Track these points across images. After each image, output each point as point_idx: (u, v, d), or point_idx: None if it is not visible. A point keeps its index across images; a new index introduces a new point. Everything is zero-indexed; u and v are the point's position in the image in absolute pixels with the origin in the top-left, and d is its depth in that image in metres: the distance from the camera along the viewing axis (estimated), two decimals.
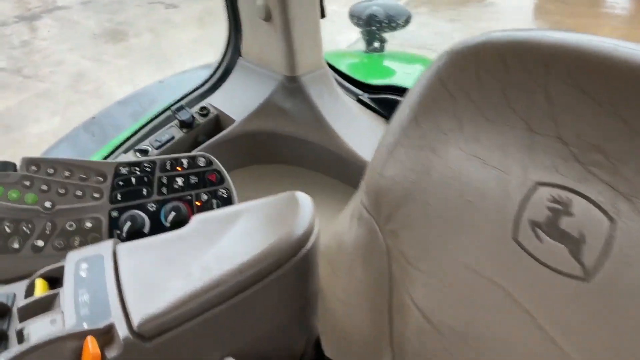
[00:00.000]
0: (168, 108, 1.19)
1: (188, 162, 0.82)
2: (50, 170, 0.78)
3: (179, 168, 0.82)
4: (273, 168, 1.18)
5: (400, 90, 1.22)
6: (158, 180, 0.81)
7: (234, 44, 1.21)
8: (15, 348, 0.54)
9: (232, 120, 1.15)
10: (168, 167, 0.82)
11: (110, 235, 0.77)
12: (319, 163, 1.15)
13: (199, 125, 1.16)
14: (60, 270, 0.66)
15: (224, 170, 0.83)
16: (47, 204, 0.76)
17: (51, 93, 4.77)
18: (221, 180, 0.82)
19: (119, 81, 4.90)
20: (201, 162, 0.83)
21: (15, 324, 0.63)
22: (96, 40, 5.60)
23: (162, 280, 0.62)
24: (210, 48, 5.28)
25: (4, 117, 4.53)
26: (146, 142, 1.13)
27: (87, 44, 5.50)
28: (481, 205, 0.49)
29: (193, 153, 0.83)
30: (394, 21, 1.58)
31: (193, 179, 0.81)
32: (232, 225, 0.69)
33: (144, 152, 1.11)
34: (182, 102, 1.17)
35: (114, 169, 0.80)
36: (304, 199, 0.72)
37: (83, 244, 0.75)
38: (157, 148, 1.12)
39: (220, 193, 0.82)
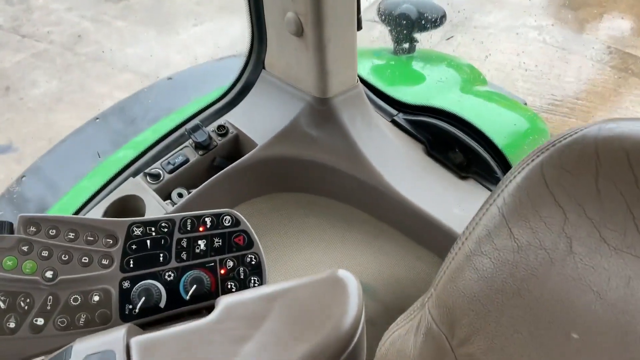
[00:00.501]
0: (181, 125, 1.07)
1: (212, 222, 0.71)
2: (52, 232, 0.67)
3: (201, 228, 0.71)
4: (296, 197, 1.07)
5: (439, 113, 1.10)
6: (177, 243, 0.70)
7: (256, 54, 1.08)
8: None
9: (252, 142, 1.03)
10: (189, 227, 0.70)
11: (122, 311, 0.66)
12: (348, 194, 1.04)
13: (216, 146, 1.04)
14: None
15: (252, 231, 0.72)
16: (49, 274, 0.65)
17: (49, 54, 4.59)
18: (249, 243, 0.71)
19: (120, 44, 4.72)
20: (227, 221, 0.72)
21: None
22: None
23: None
24: (213, 10, 5.08)
25: (1, 78, 4.38)
26: (157, 164, 1.02)
27: (87, 3, 5.28)
28: (593, 345, 0.39)
29: (217, 211, 0.71)
30: (428, 21, 1.44)
31: (217, 242, 0.71)
32: (266, 316, 0.59)
33: (155, 177, 1.00)
34: (198, 120, 1.05)
35: (126, 230, 0.69)
36: (349, 280, 0.61)
37: (89, 322, 0.65)
38: (170, 172, 1.01)
39: (248, 259, 0.71)
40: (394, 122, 1.11)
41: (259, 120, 1.05)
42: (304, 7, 0.89)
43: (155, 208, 0.96)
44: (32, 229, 0.66)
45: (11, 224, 0.67)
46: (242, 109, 1.09)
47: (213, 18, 4.94)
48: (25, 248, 0.65)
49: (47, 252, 0.66)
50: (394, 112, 1.13)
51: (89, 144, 1.32)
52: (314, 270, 1.05)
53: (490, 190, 1.02)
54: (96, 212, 0.96)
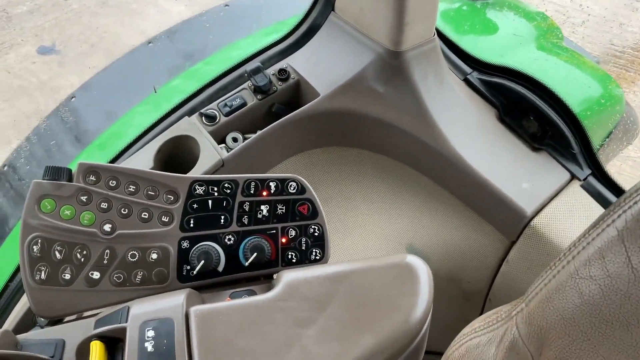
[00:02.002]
0: (241, 65, 1.01)
1: (276, 187, 0.67)
2: (112, 183, 0.64)
3: (264, 193, 0.67)
4: (355, 153, 1.02)
5: (517, 75, 1.01)
6: (239, 207, 0.66)
7: None
8: None
9: (313, 91, 0.97)
10: (252, 190, 0.66)
11: (180, 271, 0.64)
12: (409, 155, 0.98)
13: (275, 92, 0.98)
14: (121, 331, 0.54)
15: (317, 200, 0.68)
16: (107, 227, 0.63)
17: None
18: (314, 213, 0.67)
19: None
20: (292, 187, 0.67)
21: None
22: None
23: None
24: None
25: None
26: (214, 105, 0.97)
27: None
28: None
29: (283, 176, 0.67)
30: None
31: (280, 209, 0.67)
32: (331, 300, 0.56)
33: (211, 119, 0.96)
34: (258, 62, 0.99)
35: (187, 187, 0.65)
36: (420, 270, 0.58)
37: (146, 279, 0.63)
38: (226, 115, 0.96)
39: (311, 230, 0.67)
40: (467, 82, 1.03)
41: (323, 68, 0.98)
42: None
43: (209, 151, 0.92)
44: (92, 178, 0.63)
45: (70, 171, 0.64)
46: (305, 53, 1.02)
47: None
48: (84, 198, 0.62)
49: (106, 204, 0.63)
50: (468, 70, 1.04)
51: (141, 69, 1.27)
52: (366, 229, 1.02)
53: (565, 166, 0.95)
54: (149, 150, 0.93)
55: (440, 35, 1.06)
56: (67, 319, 0.70)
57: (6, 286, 1.00)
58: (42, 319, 0.87)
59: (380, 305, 0.56)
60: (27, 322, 0.90)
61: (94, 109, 1.33)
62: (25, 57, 3.60)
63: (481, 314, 0.76)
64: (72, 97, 1.29)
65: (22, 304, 0.90)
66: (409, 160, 0.99)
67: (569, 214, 0.90)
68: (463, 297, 1.04)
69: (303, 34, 1.03)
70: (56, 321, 0.81)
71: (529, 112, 0.99)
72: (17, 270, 1.00)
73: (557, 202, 0.91)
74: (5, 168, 1.24)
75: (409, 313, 0.55)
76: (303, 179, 0.67)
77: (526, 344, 0.47)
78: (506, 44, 1.26)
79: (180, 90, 1.06)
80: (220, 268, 0.65)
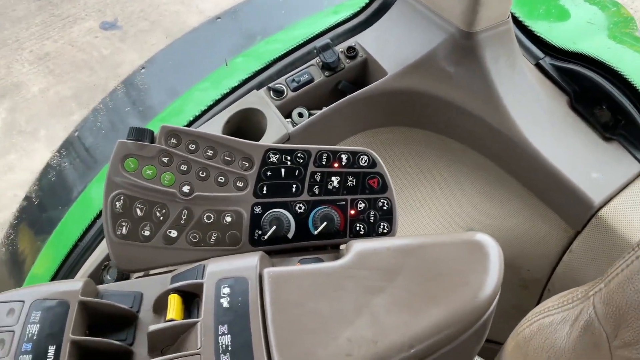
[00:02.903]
0: (310, 41, 1.02)
1: (347, 159, 0.68)
2: (192, 146, 0.66)
3: (335, 164, 0.68)
4: (420, 134, 1.02)
5: (591, 62, 0.98)
6: (311, 176, 0.67)
7: None
8: None
9: (381, 69, 0.97)
10: (324, 161, 0.68)
11: (252, 235, 0.66)
12: (476, 139, 0.98)
13: (343, 69, 0.99)
14: (198, 287, 0.57)
15: (388, 175, 0.68)
16: (185, 188, 0.65)
17: None
18: (383, 187, 0.68)
19: None
20: (363, 160, 0.68)
21: (143, 343, 0.56)
22: None
23: (317, 339, 0.51)
24: None
25: None
26: (282, 80, 0.99)
27: None
28: None
29: (355, 149, 0.68)
30: None
31: (351, 181, 0.68)
32: (400, 270, 0.57)
33: (279, 93, 0.97)
34: (327, 39, 1.00)
35: (262, 154, 0.67)
36: (491, 248, 0.58)
37: (219, 241, 0.65)
38: (294, 90, 0.98)
39: (380, 203, 0.68)
40: (539, 67, 1.01)
41: (392, 47, 0.98)
42: None
43: (277, 125, 0.94)
44: (173, 140, 0.66)
45: (152, 132, 0.66)
46: (375, 31, 1.02)
47: None
48: (165, 159, 0.65)
49: (185, 166, 0.65)
50: (540, 55, 1.02)
51: (204, 47, 1.29)
52: (427, 210, 1.02)
53: (636, 157, 0.93)
54: (218, 121, 0.96)
55: (514, 18, 1.04)
56: (135, 275, 0.74)
57: (76, 245, 1.05)
58: (108, 277, 0.91)
59: (450, 280, 0.56)
60: (95, 279, 0.94)
61: (157, 85, 1.36)
62: (88, 32, 3.71)
63: (537, 304, 0.75)
64: (142, 68, 1.33)
65: (92, 260, 0.94)
66: (474, 143, 0.99)
67: (638, 206, 0.88)
68: (521, 285, 1.03)
69: (373, 12, 1.03)
70: (124, 278, 0.85)
71: (602, 100, 0.96)
72: (86, 231, 1.04)
73: (627, 193, 0.89)
74: (73, 137, 1.28)
75: (478, 289, 0.55)
76: (374, 153, 0.68)
77: (602, 324, 0.46)
78: (579, 31, 1.22)
79: (242, 69, 1.08)
80: (290, 235, 0.66)
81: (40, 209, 1.08)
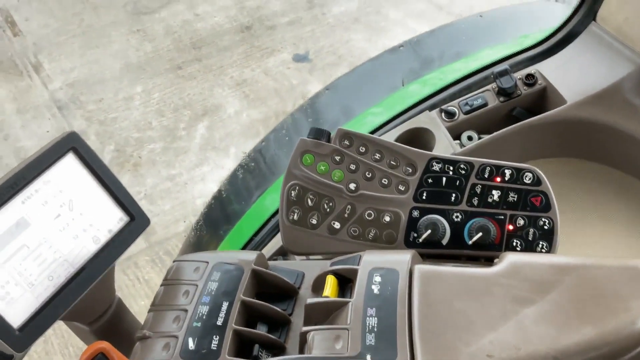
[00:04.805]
0: (488, 67, 1.04)
1: (511, 175, 0.69)
2: (362, 149, 0.72)
3: (497, 179, 0.69)
4: (596, 168, 0.97)
5: None
6: (471, 187, 0.69)
7: (590, 3, 0.97)
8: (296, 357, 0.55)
9: (560, 98, 0.96)
10: (486, 174, 0.69)
11: (407, 236, 0.70)
12: None
13: (519, 95, 0.99)
14: (353, 272, 0.62)
15: (552, 194, 0.68)
16: (352, 186, 0.71)
17: None
18: (546, 206, 0.68)
19: None
20: (527, 178, 0.69)
21: (300, 315, 0.62)
22: None
23: (459, 335, 0.53)
24: None
25: None
26: (454, 103, 1.02)
27: None
28: None
29: (519, 165, 0.69)
30: None
31: (512, 197, 0.68)
32: (554, 286, 0.56)
33: (450, 115, 1.00)
34: (507, 65, 1.01)
35: (425, 162, 0.71)
36: None
37: (376, 238, 0.70)
38: (466, 113, 1.00)
39: (541, 222, 0.68)
40: None
41: (574, 77, 0.96)
42: None
43: (444, 145, 0.97)
44: (346, 142, 0.72)
45: (329, 133, 0.74)
46: (558, 60, 1.01)
47: None
48: (337, 158, 0.72)
49: (354, 165, 0.72)
50: None
51: (387, 70, 1.37)
52: (597, 251, 0.96)
53: None
54: (388, 137, 1.01)
55: None
56: (299, 258, 0.81)
57: (251, 239, 1.17)
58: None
59: (608, 302, 0.54)
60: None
61: (334, 107, 1.47)
62: (282, 63, 4.06)
63: None
64: (326, 90, 1.45)
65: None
66: None
67: None
68: None
69: (557, 42, 1.02)
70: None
71: None
72: (260, 228, 1.16)
73: None
74: (255, 153, 1.43)
75: (636, 314, 0.52)
76: (539, 171, 0.68)
77: None
78: None
79: (416, 95, 1.13)
80: (444, 241, 0.69)
81: (227, 203, 1.22)
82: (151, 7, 4.67)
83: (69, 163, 0.59)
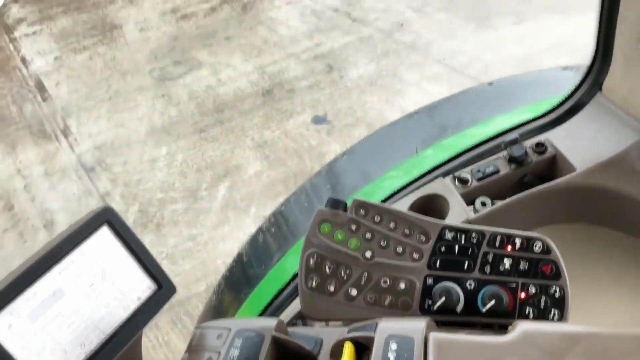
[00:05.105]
0: (499, 135, 1.08)
1: (521, 243, 0.72)
2: (377, 218, 0.76)
3: (508, 247, 0.72)
4: (607, 234, 0.99)
5: None
6: (483, 256, 0.72)
7: (595, 75, 1.02)
8: None
9: (570, 166, 0.99)
10: (497, 243, 0.72)
11: (422, 303, 0.72)
12: None
13: (530, 163, 1.02)
14: (370, 340, 0.64)
15: (562, 263, 0.70)
16: (368, 254, 0.74)
17: (372, 40, 5.01)
18: (557, 274, 0.70)
19: (437, 35, 4.89)
20: (537, 247, 0.71)
21: None
22: None
23: None
24: (536, 9, 4.87)
25: (327, 57, 4.95)
26: (467, 170, 1.05)
27: None
28: None
29: (529, 234, 0.72)
30: None
31: (523, 265, 0.71)
32: (566, 353, 0.58)
33: (463, 182, 1.04)
34: (517, 134, 1.05)
35: (438, 231, 0.74)
36: None
37: (392, 304, 0.73)
38: (478, 180, 1.03)
39: (552, 290, 0.70)
40: None
41: (583, 145, 1.00)
42: None
43: (458, 212, 1.00)
44: (362, 212, 0.76)
45: (345, 204, 0.78)
46: (566, 129, 1.05)
47: (535, 17, 4.75)
48: (353, 227, 0.75)
49: (370, 234, 0.75)
50: None
51: (399, 138, 1.42)
52: (612, 319, 0.97)
53: None
54: (403, 203, 1.05)
55: None
56: (317, 324, 0.83)
57: (271, 302, 1.20)
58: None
59: None
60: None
61: (353, 171, 1.52)
62: (301, 124, 4.17)
63: None
64: (343, 155, 1.50)
65: (283, 316, 1.07)
66: None
67: None
68: None
69: (566, 111, 1.06)
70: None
71: None
72: (280, 292, 1.19)
73: None
74: (275, 216, 1.48)
75: None
76: (549, 240, 0.71)
77: None
78: None
79: (439, 155, 1.17)
80: (459, 309, 0.71)
81: (247, 266, 1.26)
82: (176, 73, 4.87)
83: (103, 235, 0.64)
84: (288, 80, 4.65)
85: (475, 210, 1.02)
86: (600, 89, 1.02)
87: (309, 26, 5.37)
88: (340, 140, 3.94)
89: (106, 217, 0.64)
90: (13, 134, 4.42)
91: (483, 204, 1.03)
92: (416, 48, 4.76)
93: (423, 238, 0.74)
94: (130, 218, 3.45)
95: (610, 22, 0.94)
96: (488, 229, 0.73)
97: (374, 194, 1.16)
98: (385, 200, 1.13)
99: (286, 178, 3.69)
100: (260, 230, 1.30)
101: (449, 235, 0.74)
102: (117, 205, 3.61)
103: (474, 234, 0.73)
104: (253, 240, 1.30)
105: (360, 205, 0.77)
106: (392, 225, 0.75)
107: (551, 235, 1.04)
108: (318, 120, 4.20)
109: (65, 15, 6.17)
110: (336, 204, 0.77)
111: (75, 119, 4.45)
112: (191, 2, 6.03)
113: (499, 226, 0.97)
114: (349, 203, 0.78)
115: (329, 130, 4.12)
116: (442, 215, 1.03)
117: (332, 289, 0.74)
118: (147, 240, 3.30)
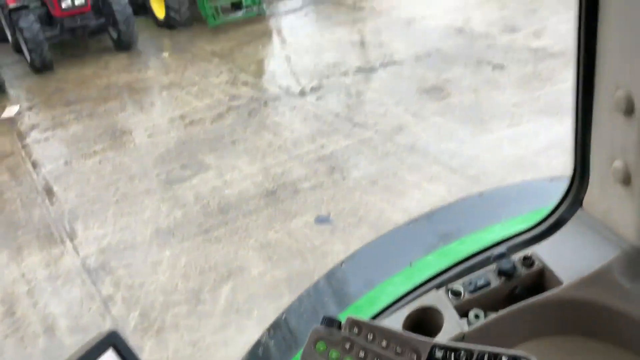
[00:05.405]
0: (488, 249, 1.13)
1: None
2: (370, 336, 0.79)
3: None
4: (595, 345, 1.01)
5: None
6: None
7: (575, 192, 1.08)
8: None
9: (557, 279, 1.03)
10: None
11: None
12: None
13: (519, 276, 1.06)
14: None
15: None
16: None
17: (373, 142, 5.20)
18: None
19: (435, 138, 5.07)
20: None
21: None
22: (420, 95, 5.92)
23: None
24: (530, 113, 5.08)
25: (330, 159, 5.10)
26: (459, 282, 1.09)
27: (411, 99, 5.86)
28: None
29: (516, 352, 0.74)
30: None
31: None
32: None
33: (457, 295, 1.07)
34: (504, 248, 1.10)
35: (429, 350, 0.77)
36: None
37: None
38: (471, 292, 1.07)
39: None
40: None
41: (568, 259, 1.04)
42: (636, 158, 0.88)
43: (452, 324, 1.03)
44: (355, 330, 0.80)
45: (340, 322, 0.81)
46: (551, 243, 1.10)
47: (529, 120, 4.95)
48: (347, 345, 0.79)
49: (363, 353, 0.78)
50: None
51: (401, 244, 1.47)
52: None
53: None
54: (402, 313, 1.07)
55: None
56: None
57: None
58: None
59: None
60: None
61: (356, 276, 1.56)
62: (304, 225, 4.24)
63: None
64: (342, 264, 1.55)
65: None
66: None
67: None
68: None
69: (550, 226, 1.12)
70: None
71: None
72: None
73: None
74: (274, 328, 1.50)
75: None
76: (534, 358, 0.74)
77: None
78: None
79: (432, 266, 1.22)
80: None
81: None
82: (183, 176, 5.02)
83: (109, 357, 0.67)
84: (292, 182, 4.77)
85: (469, 323, 1.04)
86: (581, 204, 1.08)
87: (312, 130, 5.60)
88: (343, 239, 3.99)
89: (112, 341, 0.68)
90: (20, 238, 4.49)
91: (476, 316, 1.06)
92: (415, 150, 4.93)
93: (414, 356, 0.77)
94: (131, 323, 3.43)
95: (585, 143, 1.02)
96: (476, 347, 0.76)
97: (371, 306, 1.19)
98: (382, 312, 1.16)
99: (289, 278, 3.69)
100: (259, 343, 1.32)
101: (439, 354, 0.77)
102: (118, 311, 3.60)
103: (462, 352, 0.76)
104: (252, 354, 1.31)
105: (354, 323, 0.80)
106: (384, 343, 0.78)
107: (545, 347, 1.06)
108: (321, 220, 4.27)
109: (77, 122, 6.47)
110: (330, 322, 0.81)
111: (81, 223, 4.53)
112: (199, 109, 6.34)
113: (493, 338, 1.00)
114: (344, 321, 0.81)
115: (332, 229, 4.17)
116: (437, 327, 1.05)
117: None
118: (148, 346, 3.26)
